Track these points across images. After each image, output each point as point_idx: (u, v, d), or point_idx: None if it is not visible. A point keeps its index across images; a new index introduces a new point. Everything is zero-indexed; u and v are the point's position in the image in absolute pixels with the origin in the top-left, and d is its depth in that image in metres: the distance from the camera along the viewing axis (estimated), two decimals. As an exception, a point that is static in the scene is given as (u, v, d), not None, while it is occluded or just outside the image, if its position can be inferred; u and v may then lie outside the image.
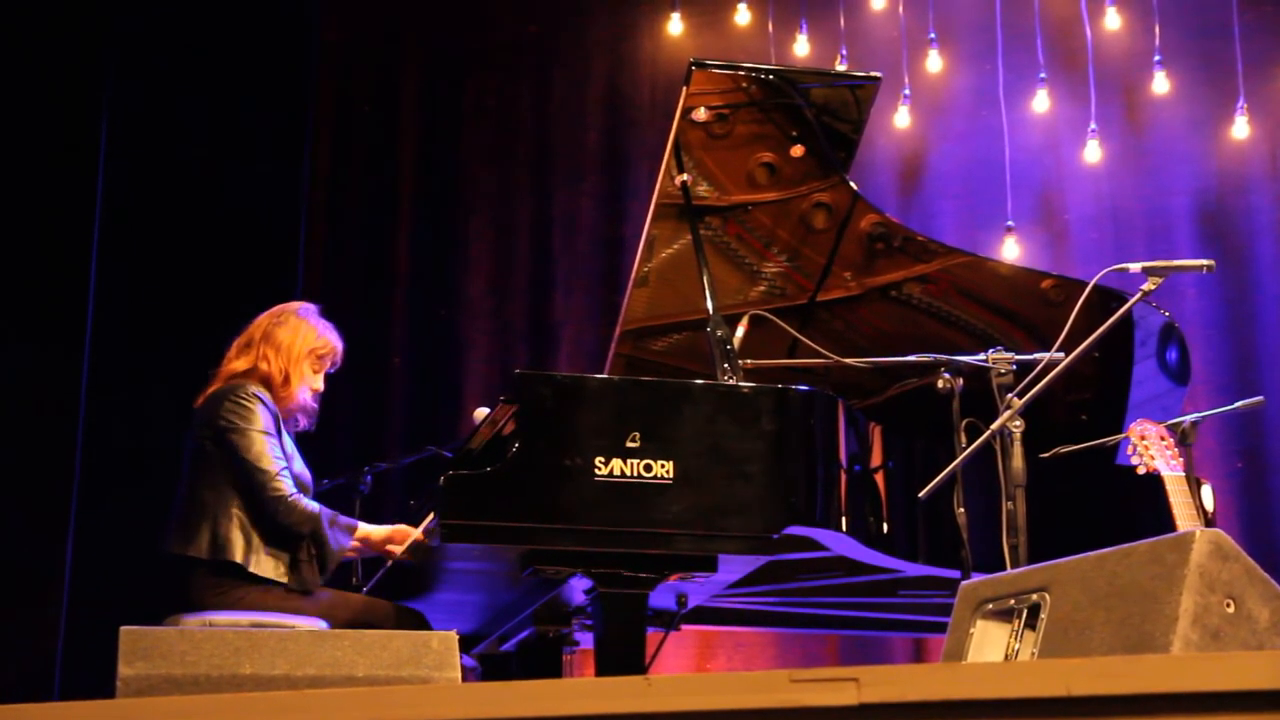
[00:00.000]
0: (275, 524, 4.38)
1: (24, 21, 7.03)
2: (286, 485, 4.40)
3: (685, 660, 7.11)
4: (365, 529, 4.57)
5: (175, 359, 6.50)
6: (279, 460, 4.44)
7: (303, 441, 4.73)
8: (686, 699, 2.24)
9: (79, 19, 7.13)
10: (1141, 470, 4.48)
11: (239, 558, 4.33)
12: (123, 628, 3.33)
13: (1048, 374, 4.01)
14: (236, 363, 4.61)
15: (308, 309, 4.75)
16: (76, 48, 7.12)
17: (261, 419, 4.46)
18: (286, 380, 4.60)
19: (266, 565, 4.37)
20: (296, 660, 3.33)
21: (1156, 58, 7.15)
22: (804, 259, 5.22)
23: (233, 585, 4.33)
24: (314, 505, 4.44)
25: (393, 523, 4.73)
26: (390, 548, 4.58)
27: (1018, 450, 4.03)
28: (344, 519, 4.53)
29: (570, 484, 4.09)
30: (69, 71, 7.10)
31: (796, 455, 4.28)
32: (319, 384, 4.69)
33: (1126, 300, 4.15)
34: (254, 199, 7.37)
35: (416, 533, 4.45)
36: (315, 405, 4.70)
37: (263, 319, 4.70)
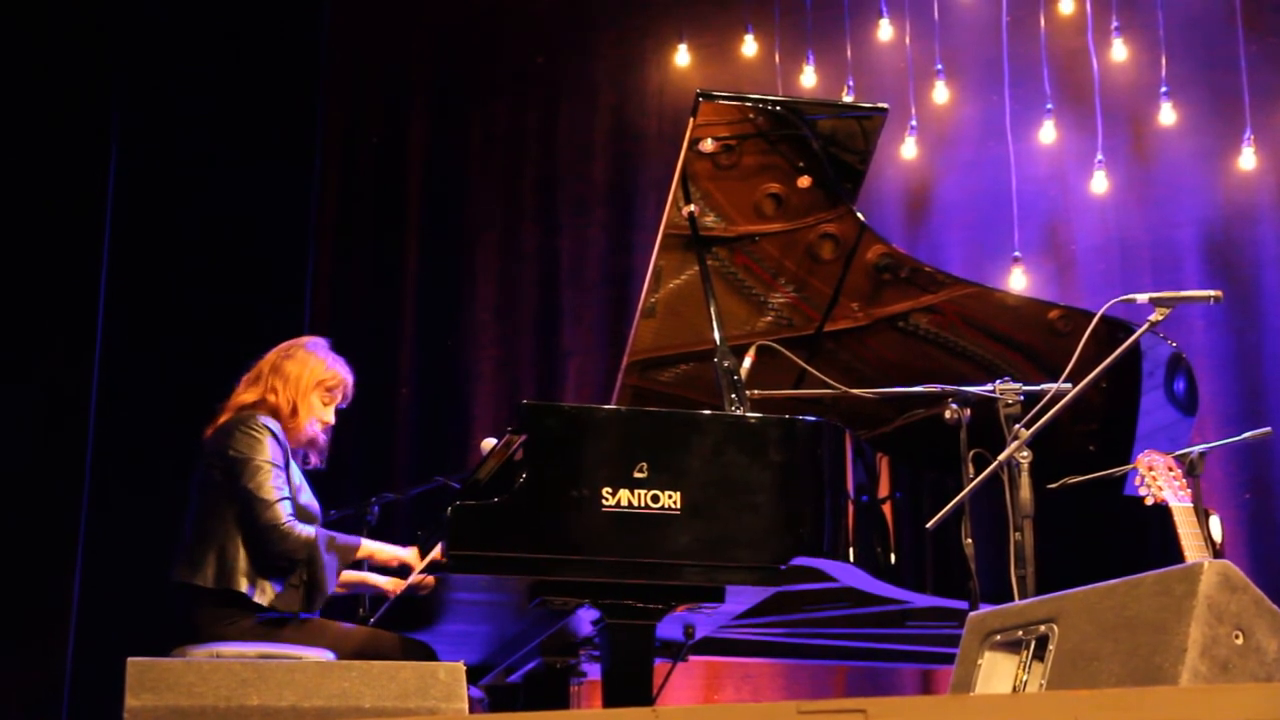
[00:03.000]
0: (271, 551, 4.39)
1: (32, 61, 7.08)
2: (283, 513, 4.41)
3: (693, 691, 7.09)
4: (370, 545, 4.62)
5: (184, 389, 6.52)
6: (280, 490, 4.45)
7: (310, 471, 4.74)
8: (694, 730, 2.24)
9: (86, 50, 7.16)
10: (1149, 501, 4.47)
11: (244, 588, 4.36)
12: (130, 659, 3.33)
13: (1055, 404, 4.00)
14: (245, 395, 4.65)
15: (317, 342, 4.78)
16: (85, 79, 7.16)
17: (269, 449, 4.48)
18: (294, 411, 4.63)
19: (270, 594, 4.38)
20: (304, 691, 3.33)
21: (1163, 89, 7.16)
22: (811, 289, 5.22)
23: (237, 615, 4.35)
24: (309, 529, 4.45)
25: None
26: (385, 585, 4.63)
27: (1025, 481, 4.02)
28: (344, 538, 4.56)
29: (578, 514, 4.09)
30: (78, 102, 7.14)
31: (804, 486, 4.28)
32: (329, 416, 4.71)
33: (1134, 331, 4.15)
34: (261, 229, 7.39)
35: (414, 577, 4.45)
36: (325, 440, 4.72)
37: (272, 354, 4.74)
